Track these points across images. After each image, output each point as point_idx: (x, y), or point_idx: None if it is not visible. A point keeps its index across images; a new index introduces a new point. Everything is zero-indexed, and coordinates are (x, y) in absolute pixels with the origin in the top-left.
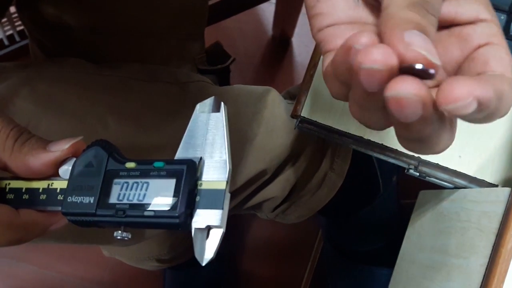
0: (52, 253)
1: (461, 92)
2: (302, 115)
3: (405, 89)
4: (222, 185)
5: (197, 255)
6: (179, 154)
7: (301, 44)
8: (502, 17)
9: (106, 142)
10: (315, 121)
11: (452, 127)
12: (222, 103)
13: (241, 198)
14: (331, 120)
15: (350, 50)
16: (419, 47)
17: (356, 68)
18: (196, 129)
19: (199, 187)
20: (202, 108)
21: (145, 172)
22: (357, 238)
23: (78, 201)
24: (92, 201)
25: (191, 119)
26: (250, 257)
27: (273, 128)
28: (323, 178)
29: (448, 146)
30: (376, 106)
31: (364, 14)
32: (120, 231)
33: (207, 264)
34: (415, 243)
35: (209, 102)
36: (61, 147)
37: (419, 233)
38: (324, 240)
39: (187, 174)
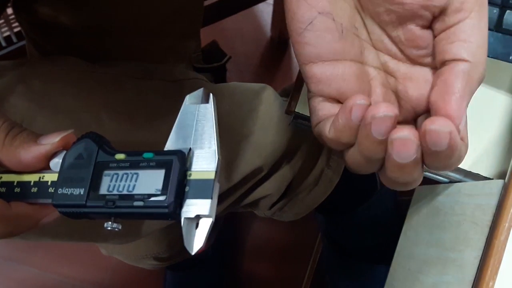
0: (53, 255)
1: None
2: (296, 111)
3: (408, 133)
4: (211, 175)
5: (186, 245)
6: (169, 145)
7: None
8: (495, 11)
9: (96, 134)
10: (310, 116)
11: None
12: (211, 94)
13: (237, 195)
14: None
15: (351, 110)
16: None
17: (367, 121)
18: (186, 120)
19: (188, 178)
20: (191, 100)
21: (135, 163)
22: (354, 235)
23: (69, 193)
24: (82, 193)
25: (180, 110)
26: (250, 257)
27: (269, 125)
28: (320, 175)
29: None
30: (378, 156)
31: (348, 46)
32: (110, 222)
33: (207, 265)
34: (412, 238)
35: (198, 93)
36: (52, 140)
37: (415, 228)
38: (322, 237)
39: (176, 165)
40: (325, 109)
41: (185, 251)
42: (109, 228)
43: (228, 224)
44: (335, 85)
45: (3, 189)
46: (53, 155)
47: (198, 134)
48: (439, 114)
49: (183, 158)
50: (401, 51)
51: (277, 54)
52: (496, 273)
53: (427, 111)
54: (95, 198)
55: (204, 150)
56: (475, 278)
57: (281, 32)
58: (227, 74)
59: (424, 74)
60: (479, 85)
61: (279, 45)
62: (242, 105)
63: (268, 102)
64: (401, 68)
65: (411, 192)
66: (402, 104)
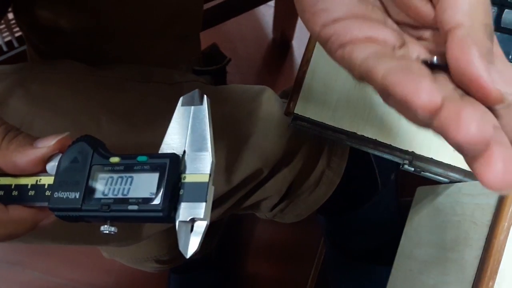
0: (56, 259)
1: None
2: (295, 112)
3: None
4: (205, 178)
5: (181, 248)
6: (163, 148)
7: (301, 47)
8: (493, 10)
9: (91, 137)
10: (309, 118)
11: None
12: (205, 96)
13: (238, 197)
14: (324, 117)
15: (408, 100)
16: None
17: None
18: (180, 122)
19: (182, 181)
20: (186, 101)
21: (129, 166)
22: (356, 236)
23: (64, 197)
24: (77, 197)
25: (175, 112)
26: (254, 259)
27: (269, 126)
28: (321, 176)
29: None
30: None
31: (368, 12)
32: (106, 226)
33: (211, 267)
34: (413, 239)
35: (192, 95)
36: (48, 144)
37: (416, 229)
38: (324, 239)
39: (170, 168)
40: (366, 47)
41: None
42: (105, 232)
43: (231, 226)
44: (367, 29)
45: (1, 192)
46: (50, 158)
47: (192, 136)
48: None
49: (177, 161)
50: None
51: (278, 56)
52: (495, 273)
53: None
54: (91, 201)
55: (198, 153)
56: (475, 278)
57: (283, 34)
58: (228, 76)
59: None
60: (490, 39)
61: (280, 47)
62: (241, 107)
63: (267, 103)
64: (426, 33)
65: (413, 192)
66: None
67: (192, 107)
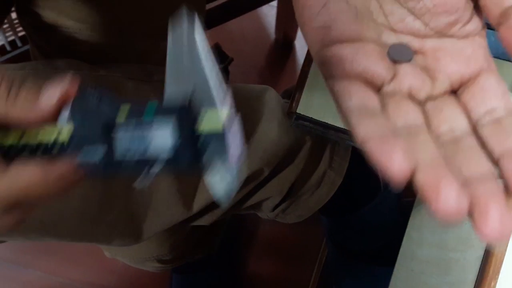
0: (58, 258)
1: None
2: (297, 111)
3: None
4: (219, 124)
5: (218, 198)
6: (167, 92)
7: (304, 47)
8: None
9: (94, 90)
10: (311, 117)
11: None
12: (196, 18)
13: (239, 197)
14: (326, 117)
15: (383, 167)
16: None
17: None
18: (176, 57)
19: (197, 132)
20: (175, 27)
21: (139, 124)
22: (358, 237)
23: (85, 158)
24: (98, 159)
25: (168, 46)
26: (256, 259)
27: (270, 126)
28: (322, 176)
29: None
30: None
31: (364, 29)
32: (139, 181)
33: (213, 267)
34: (415, 239)
35: (182, 22)
36: (54, 96)
37: (418, 229)
38: (326, 239)
39: (181, 119)
40: (353, 93)
41: (188, 253)
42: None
43: (233, 225)
44: (359, 63)
45: (40, 151)
46: (60, 108)
47: (193, 71)
48: None
49: (186, 110)
50: (426, 24)
51: (281, 56)
52: (498, 273)
53: (464, 82)
54: (112, 163)
55: (205, 96)
56: (477, 279)
57: (285, 34)
58: (230, 76)
59: (453, 44)
60: None
61: (283, 48)
62: (243, 106)
63: (269, 103)
64: (428, 43)
65: (415, 193)
66: (437, 77)
67: (185, 44)
